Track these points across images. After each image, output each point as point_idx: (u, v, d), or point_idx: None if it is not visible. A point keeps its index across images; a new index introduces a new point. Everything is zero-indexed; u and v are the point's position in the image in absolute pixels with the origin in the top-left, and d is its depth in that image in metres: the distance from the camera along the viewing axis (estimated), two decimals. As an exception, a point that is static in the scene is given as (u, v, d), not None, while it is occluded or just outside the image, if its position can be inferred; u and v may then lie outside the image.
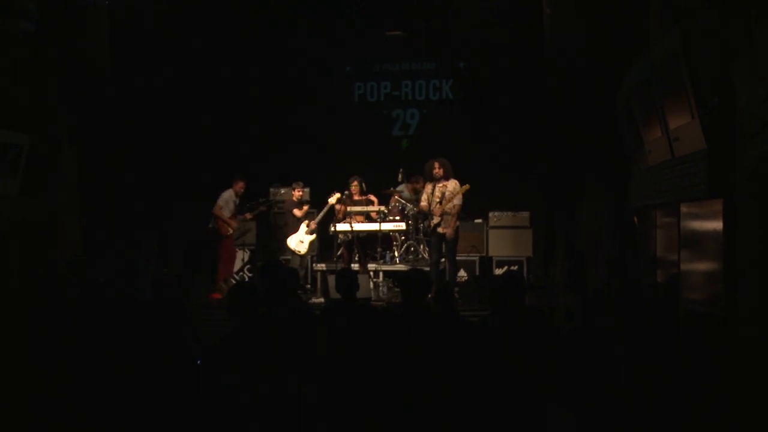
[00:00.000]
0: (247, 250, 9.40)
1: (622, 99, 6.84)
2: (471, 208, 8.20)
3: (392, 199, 9.45)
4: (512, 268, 8.92)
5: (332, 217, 8.52)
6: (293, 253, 8.44)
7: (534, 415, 3.70)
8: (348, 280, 4.50)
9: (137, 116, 8.11)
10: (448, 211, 7.50)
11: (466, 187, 7.46)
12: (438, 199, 7.55)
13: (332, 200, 8.24)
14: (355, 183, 8.51)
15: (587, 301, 4.94)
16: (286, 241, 8.53)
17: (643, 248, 7.00)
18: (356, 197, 8.54)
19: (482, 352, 3.87)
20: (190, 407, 3.71)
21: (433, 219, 7.55)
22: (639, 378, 3.98)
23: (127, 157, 8.04)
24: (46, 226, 6.87)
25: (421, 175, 9.42)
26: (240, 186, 8.48)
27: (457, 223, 7.70)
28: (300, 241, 8.43)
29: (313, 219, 8.52)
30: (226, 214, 8.36)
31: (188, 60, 8.79)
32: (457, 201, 7.49)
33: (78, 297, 4.52)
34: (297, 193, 8.67)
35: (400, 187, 9.50)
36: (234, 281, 8.46)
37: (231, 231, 8.35)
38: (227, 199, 8.42)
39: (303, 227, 8.47)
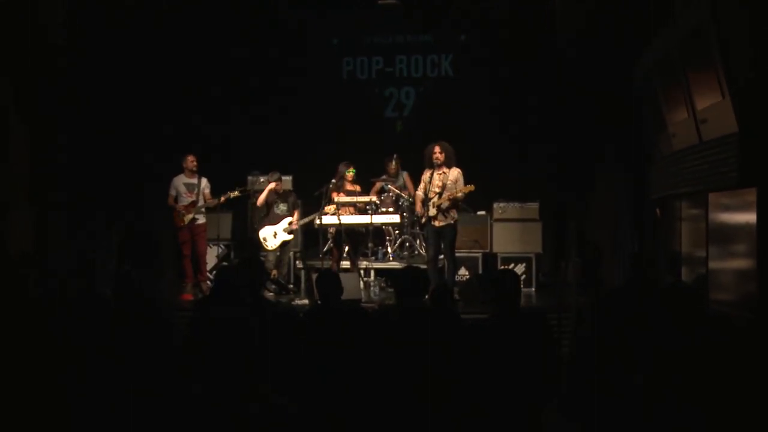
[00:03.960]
0: (221, 246, 9.32)
1: (642, 75, 6.79)
2: (473, 198, 8.13)
3: (375, 186, 9.35)
4: (519, 265, 8.88)
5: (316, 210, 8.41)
6: (262, 243, 8.36)
7: (535, 423, 3.72)
8: (329, 283, 4.42)
9: (98, 97, 7.99)
10: (445, 205, 7.43)
11: (471, 188, 7.38)
12: (438, 189, 7.48)
13: (329, 210, 8.12)
14: (351, 169, 8.42)
15: (602, 303, 4.92)
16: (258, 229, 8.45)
17: (666, 244, 6.98)
18: (349, 186, 8.44)
19: (483, 356, 3.85)
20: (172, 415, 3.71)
21: (428, 210, 7.47)
22: (659, 386, 3.95)
23: (85, 143, 7.93)
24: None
25: (393, 158, 9.36)
26: (189, 161, 8.22)
27: (456, 216, 7.62)
28: (274, 234, 8.33)
29: (299, 219, 8.43)
30: (182, 201, 8.20)
31: (157, 34, 8.66)
32: (460, 195, 7.41)
33: (41, 295, 4.50)
34: (273, 187, 8.44)
35: (386, 176, 9.43)
36: (209, 283, 8.35)
37: (184, 221, 8.19)
38: (176, 184, 8.24)
39: (284, 222, 8.38)
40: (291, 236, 8.42)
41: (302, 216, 8.54)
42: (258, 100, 10.26)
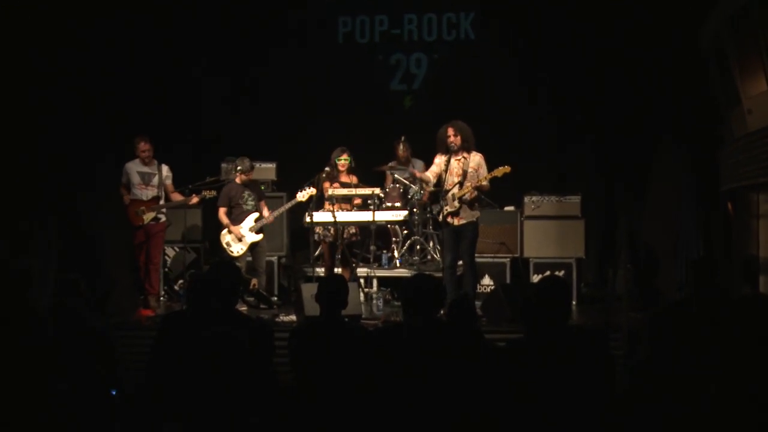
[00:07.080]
0: (189, 250, 9.34)
1: (710, 38, 6.76)
2: (499, 190, 8.12)
3: (387, 179, 9.34)
4: (556, 273, 8.86)
5: (305, 206, 8.39)
6: (225, 250, 8.34)
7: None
8: (335, 288, 4.45)
9: (28, 66, 8.01)
10: (468, 197, 7.42)
11: (507, 169, 7.34)
12: (458, 178, 7.47)
13: (302, 197, 8.11)
14: (345, 156, 8.40)
15: (660, 320, 4.91)
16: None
17: (739, 246, 6.96)
18: (344, 177, 8.42)
19: (514, 386, 3.82)
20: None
21: (447, 205, 7.46)
22: (731, 424, 3.94)
23: (22, 126, 7.95)
24: None
25: (400, 142, 9.37)
26: (141, 147, 8.16)
27: (477, 213, 7.62)
28: (238, 238, 8.30)
29: (269, 213, 8.42)
30: (135, 195, 8.17)
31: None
32: (485, 184, 7.41)
33: None
34: (240, 178, 8.44)
35: (393, 162, 9.42)
36: (164, 294, 8.37)
37: (144, 220, 8.16)
38: (128, 171, 8.22)
39: (249, 220, 8.34)
40: (260, 236, 8.38)
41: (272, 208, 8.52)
42: (234, 71, 10.27)
